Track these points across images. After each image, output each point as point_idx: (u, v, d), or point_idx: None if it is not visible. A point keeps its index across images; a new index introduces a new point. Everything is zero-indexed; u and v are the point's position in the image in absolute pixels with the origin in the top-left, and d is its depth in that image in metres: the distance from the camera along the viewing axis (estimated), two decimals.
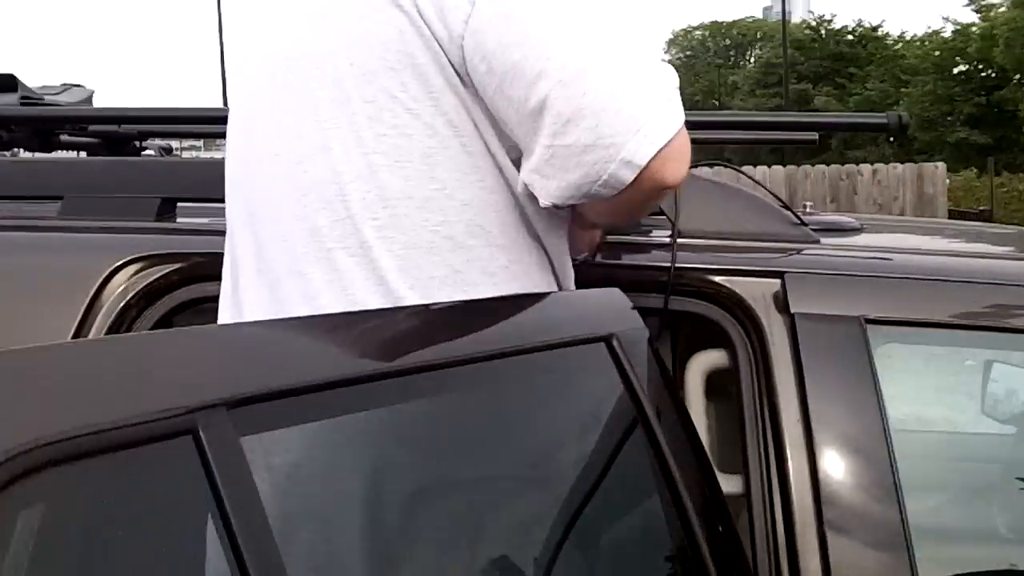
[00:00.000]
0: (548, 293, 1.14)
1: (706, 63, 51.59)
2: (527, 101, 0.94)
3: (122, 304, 1.35)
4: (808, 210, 1.63)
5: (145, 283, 1.36)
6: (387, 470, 0.87)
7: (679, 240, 1.39)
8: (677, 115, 0.96)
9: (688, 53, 53.82)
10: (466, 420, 0.98)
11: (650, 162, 0.93)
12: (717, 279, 1.35)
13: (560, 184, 0.95)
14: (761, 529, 1.25)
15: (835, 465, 1.24)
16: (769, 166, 11.43)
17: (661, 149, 0.93)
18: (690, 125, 1.02)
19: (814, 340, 1.29)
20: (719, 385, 1.40)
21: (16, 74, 1.90)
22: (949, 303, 1.30)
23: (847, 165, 11.20)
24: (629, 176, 0.93)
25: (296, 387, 0.75)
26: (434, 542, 0.89)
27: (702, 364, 1.39)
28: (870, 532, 1.20)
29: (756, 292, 1.33)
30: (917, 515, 1.22)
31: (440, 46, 0.96)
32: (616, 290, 1.18)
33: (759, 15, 59.51)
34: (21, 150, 1.95)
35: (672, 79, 0.97)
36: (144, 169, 1.62)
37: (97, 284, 1.34)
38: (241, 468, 0.67)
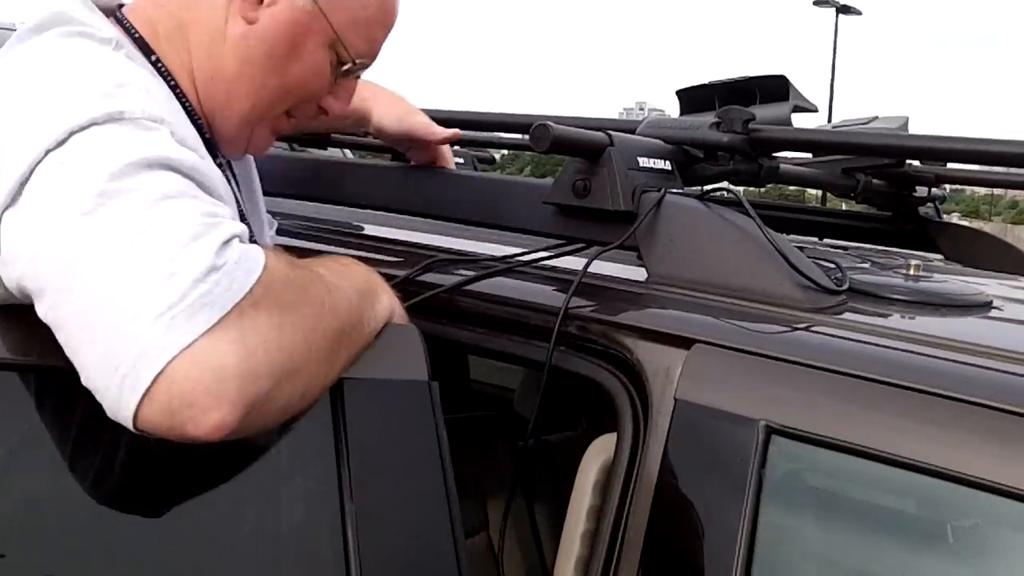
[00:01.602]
0: None
1: None
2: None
3: None
4: (916, 271, 1.11)
5: None
6: None
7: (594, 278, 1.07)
8: (188, 330, 0.70)
9: None
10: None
11: (143, 409, 0.70)
12: (620, 336, 1.01)
13: None
14: None
15: None
16: None
17: (154, 387, 0.69)
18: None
19: (684, 441, 0.90)
20: None
21: None
22: (916, 429, 0.81)
23: None
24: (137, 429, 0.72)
25: None
26: None
27: (600, 452, 1.04)
28: None
29: (659, 363, 0.97)
30: None
31: None
32: (410, 329, 0.95)
33: None
34: None
35: (193, 271, 0.72)
36: None
37: None
38: None
